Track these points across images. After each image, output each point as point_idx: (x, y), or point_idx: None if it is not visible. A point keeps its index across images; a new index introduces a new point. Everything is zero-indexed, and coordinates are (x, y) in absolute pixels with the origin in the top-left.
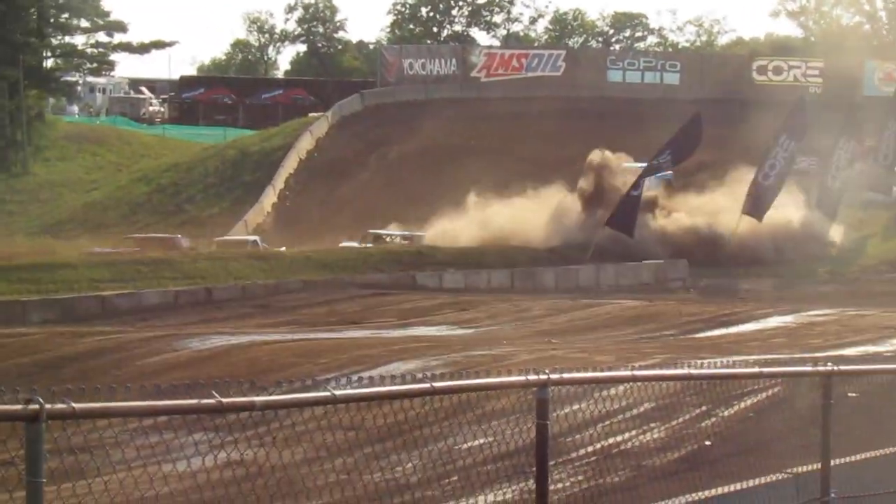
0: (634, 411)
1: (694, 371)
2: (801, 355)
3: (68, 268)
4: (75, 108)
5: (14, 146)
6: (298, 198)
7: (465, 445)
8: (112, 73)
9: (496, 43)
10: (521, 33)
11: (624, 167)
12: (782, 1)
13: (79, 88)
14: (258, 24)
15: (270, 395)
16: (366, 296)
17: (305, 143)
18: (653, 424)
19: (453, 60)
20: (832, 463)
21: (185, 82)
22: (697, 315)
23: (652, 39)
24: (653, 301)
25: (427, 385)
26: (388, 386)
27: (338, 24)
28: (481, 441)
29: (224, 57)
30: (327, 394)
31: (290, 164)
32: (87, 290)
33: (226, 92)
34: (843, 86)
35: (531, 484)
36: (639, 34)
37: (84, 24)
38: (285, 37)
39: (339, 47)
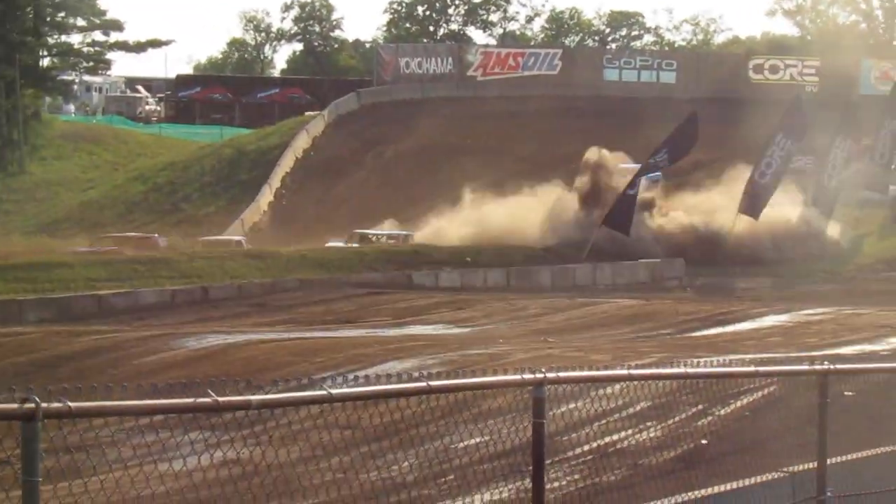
0: (630, 410)
1: (690, 370)
2: (797, 354)
3: (65, 267)
4: (72, 107)
5: (10, 145)
6: (295, 196)
7: (461, 444)
8: (108, 72)
9: (492, 42)
10: (518, 32)
11: (620, 167)
12: (778, 0)
13: (75, 87)
14: (254, 22)
15: (266, 393)
16: (362, 295)
17: (302, 142)
18: (649, 423)
19: (449, 59)
20: (828, 462)
21: (182, 81)
22: (694, 314)
23: (648, 38)
24: (649, 300)
25: (423, 384)
26: (384, 385)
27: (334, 22)
28: (477, 440)
29: (220, 56)
30: (323, 392)
31: (286, 163)
32: (84, 289)
33: (222, 91)
34: (840, 84)
35: (527, 483)
36: (635, 33)
37: (80, 22)
38: (282, 35)
39: (336, 46)
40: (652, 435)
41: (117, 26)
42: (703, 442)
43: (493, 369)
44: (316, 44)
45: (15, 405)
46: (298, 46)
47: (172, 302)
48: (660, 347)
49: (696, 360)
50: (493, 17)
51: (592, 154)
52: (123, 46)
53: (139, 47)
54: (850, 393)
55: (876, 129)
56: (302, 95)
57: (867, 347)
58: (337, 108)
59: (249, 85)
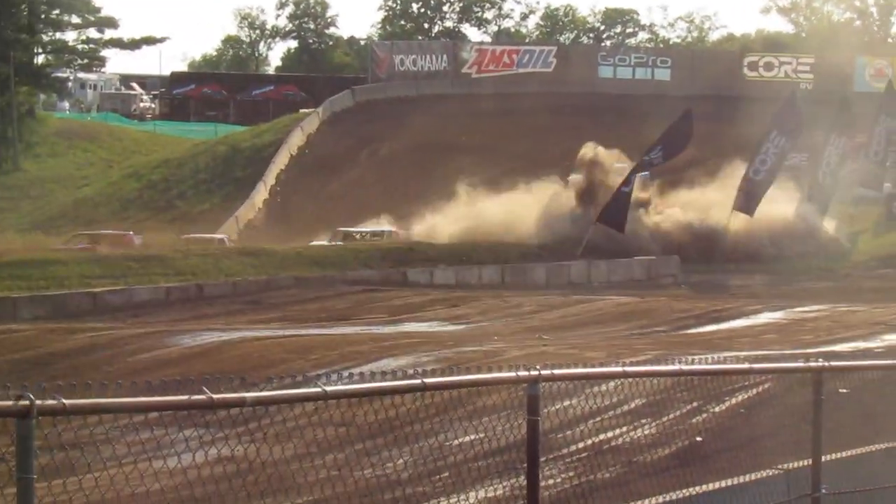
0: (625, 407)
1: (685, 367)
2: (792, 351)
3: (59, 264)
4: (66, 105)
5: (5, 142)
6: (289, 194)
7: (455, 442)
8: (103, 70)
9: (487, 39)
10: (512, 29)
11: (616, 167)
12: None
13: (69, 85)
14: (249, 20)
15: (261, 391)
16: (356, 292)
17: (296, 140)
18: (644, 420)
19: (444, 56)
20: (823, 459)
21: (176, 78)
22: (688, 311)
23: (643, 35)
24: (644, 297)
25: (418, 381)
26: (378, 382)
27: (329, 20)
28: (472, 437)
29: (215, 53)
30: (318, 390)
31: (281, 161)
32: (79, 286)
33: (217, 88)
34: (834, 82)
35: (522, 480)
36: (630, 30)
37: (75, 20)
38: (276, 33)
39: (330, 43)
40: (647, 432)
41: (112, 23)
42: (698, 439)
43: (487, 366)
44: (310, 41)
45: (10, 402)
46: (293, 44)
47: (167, 299)
48: (654, 345)
49: (690, 358)
50: (488, 15)
51: (588, 150)
52: (118, 44)
53: (134, 44)
54: (845, 390)
55: (870, 126)
56: (297, 93)
57: (862, 345)
58: (332, 105)
59: (244, 82)
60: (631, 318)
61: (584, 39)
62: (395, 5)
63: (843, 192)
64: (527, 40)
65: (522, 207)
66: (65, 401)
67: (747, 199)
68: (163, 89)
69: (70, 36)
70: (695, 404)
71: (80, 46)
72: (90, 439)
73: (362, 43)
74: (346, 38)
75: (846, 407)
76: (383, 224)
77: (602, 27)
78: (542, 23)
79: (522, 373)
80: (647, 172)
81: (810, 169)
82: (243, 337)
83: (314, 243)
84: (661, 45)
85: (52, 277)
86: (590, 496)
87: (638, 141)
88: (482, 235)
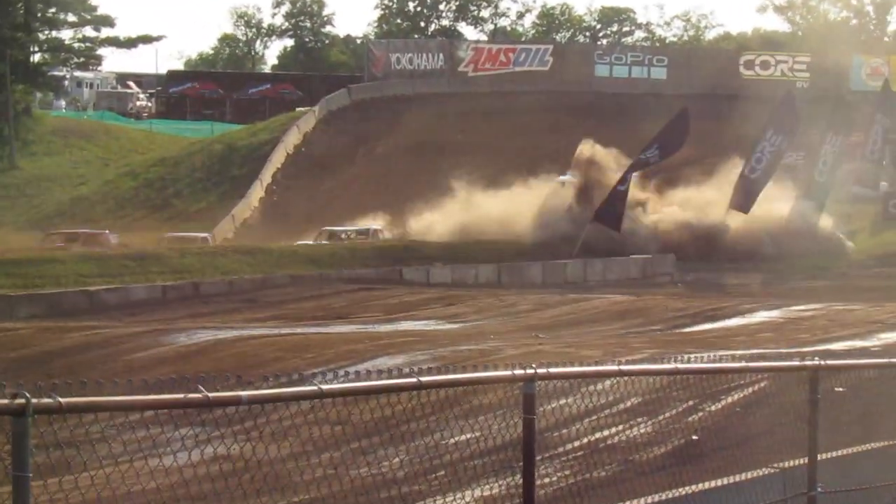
0: (621, 406)
1: (681, 366)
2: (788, 350)
3: (55, 262)
4: (62, 103)
5: (1, 141)
6: (286, 192)
7: (451, 440)
8: (99, 68)
9: (483, 38)
10: (509, 28)
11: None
12: None
13: (66, 83)
14: (245, 18)
15: (257, 389)
16: (353, 290)
17: (293, 138)
18: (640, 419)
19: (440, 55)
20: (819, 458)
21: (173, 77)
22: (684, 310)
23: (639, 34)
24: (640, 296)
25: (414, 380)
26: (375, 381)
27: (325, 18)
28: (468, 436)
29: (211, 51)
30: (314, 388)
31: (277, 159)
32: (75, 284)
33: (213, 86)
34: (831, 80)
35: (518, 479)
36: (626, 29)
37: (71, 18)
38: (272, 31)
39: (327, 42)
40: (643, 431)
41: (108, 22)
42: (694, 438)
43: (483, 365)
44: (307, 40)
45: (5, 400)
46: (289, 42)
47: (163, 298)
48: (650, 343)
49: (686, 356)
50: (484, 13)
51: (586, 148)
52: (114, 42)
53: (130, 43)
54: (841, 389)
55: (866, 125)
56: (293, 91)
57: (858, 343)
58: (328, 103)
59: (240, 81)
60: (627, 316)
61: (581, 38)
62: (391, 4)
63: (839, 190)
64: (523, 39)
65: (519, 206)
66: (61, 399)
67: (743, 197)
68: (159, 88)
69: (66, 34)
70: (691, 403)
71: (76, 45)
72: (86, 438)
73: (359, 41)
74: (342, 36)
75: (842, 406)
76: (377, 222)
77: (598, 26)
78: (538, 21)
79: (518, 371)
80: (633, 173)
81: (807, 168)
82: (239, 335)
83: (299, 242)
84: (658, 44)
85: (48, 276)
86: (586, 495)
87: (634, 140)
88: (478, 234)
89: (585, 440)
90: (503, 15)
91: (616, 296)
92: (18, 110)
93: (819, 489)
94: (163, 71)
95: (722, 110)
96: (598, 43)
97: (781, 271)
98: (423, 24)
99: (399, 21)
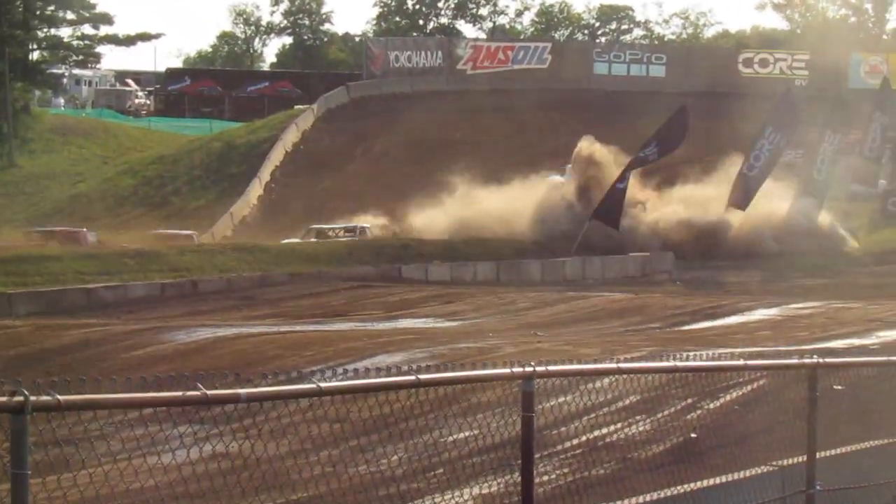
0: (620, 404)
1: (679, 364)
2: (787, 348)
3: (54, 260)
4: (61, 101)
5: (0, 139)
6: (284, 190)
7: (450, 438)
8: (98, 66)
9: (482, 35)
10: (507, 26)
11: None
12: None
13: (65, 81)
14: (244, 16)
15: (256, 387)
16: (351, 288)
17: (291, 136)
18: (638, 417)
19: (439, 53)
20: (818, 456)
21: (171, 74)
22: (683, 308)
23: (638, 32)
24: (638, 294)
25: (412, 377)
26: (373, 378)
27: (323, 16)
28: (467, 434)
29: (210, 49)
30: (313, 386)
31: (275, 157)
32: (73, 282)
33: (212, 84)
34: (829, 78)
35: (516, 476)
36: (625, 27)
37: (70, 16)
38: (271, 29)
39: (325, 40)
40: (641, 429)
41: (107, 20)
42: (693, 436)
43: (482, 363)
44: (305, 37)
45: (4, 398)
46: (288, 40)
47: (162, 295)
48: (649, 341)
49: (685, 354)
50: (483, 11)
51: (585, 145)
52: (113, 40)
53: (129, 41)
54: (840, 387)
55: (865, 122)
56: (292, 89)
57: (857, 341)
58: (326, 101)
59: (239, 78)
60: (625, 314)
61: (579, 36)
62: (390, 2)
63: (837, 188)
64: (522, 37)
65: (517, 204)
66: (59, 397)
67: (741, 195)
68: (158, 85)
69: (65, 32)
70: (689, 401)
71: (75, 43)
72: (84, 435)
73: (357, 39)
74: (340, 34)
75: (841, 404)
76: (377, 219)
77: (597, 23)
78: (536, 19)
79: (517, 369)
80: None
81: (805, 165)
82: (238, 333)
83: (286, 241)
84: (657, 42)
85: (46, 273)
86: (584, 493)
87: (633, 138)
88: (477, 231)
89: (584, 438)
90: (502, 13)
91: (615, 294)
92: (17, 108)
93: (818, 487)
94: (161, 69)
95: (721, 108)
96: (597, 41)
97: (780, 269)
98: (421, 21)
99: (398, 19)
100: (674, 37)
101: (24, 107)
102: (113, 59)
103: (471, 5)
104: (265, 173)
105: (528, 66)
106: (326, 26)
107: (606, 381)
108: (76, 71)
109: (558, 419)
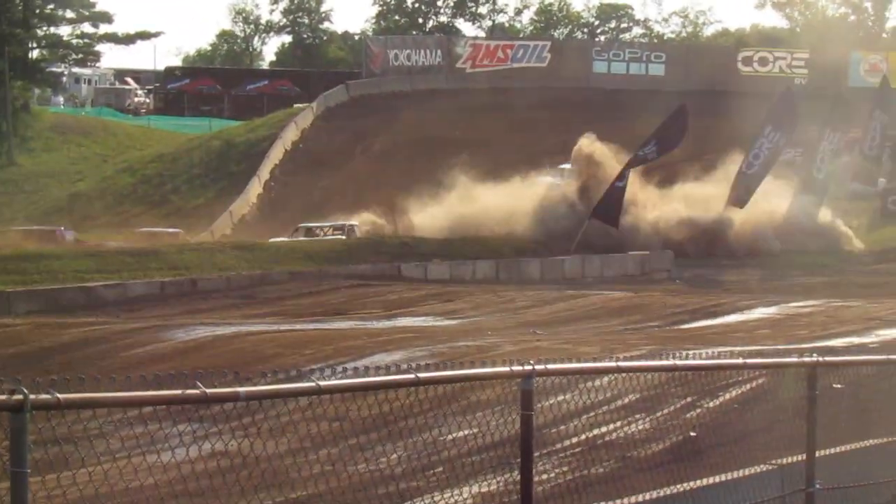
0: (619, 402)
1: (679, 362)
2: (786, 346)
3: (53, 258)
4: (60, 99)
5: None
6: (284, 188)
7: (450, 436)
8: (97, 64)
9: (481, 34)
10: (507, 24)
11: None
12: None
13: (64, 79)
14: (243, 14)
15: (255, 385)
16: (351, 287)
17: (291, 134)
18: (638, 415)
19: (438, 51)
20: (817, 454)
21: (171, 73)
22: (682, 306)
23: (637, 30)
24: (638, 292)
25: (412, 376)
26: (372, 377)
27: (323, 15)
28: (466, 432)
29: (209, 48)
30: (312, 384)
31: (275, 155)
32: (73, 280)
33: (211, 83)
34: (829, 77)
35: (516, 475)
36: (624, 25)
37: (69, 14)
38: (270, 28)
39: (325, 38)
40: (640, 427)
41: (106, 18)
42: (692, 434)
43: (481, 361)
44: (305, 36)
45: (3, 396)
46: (287, 38)
47: (161, 294)
48: (648, 340)
49: (684, 353)
50: (482, 10)
51: (585, 143)
52: (112, 38)
53: (128, 39)
54: (839, 385)
55: (865, 121)
56: (291, 87)
57: (856, 340)
58: (326, 100)
59: (238, 77)
60: (625, 313)
61: (579, 34)
62: (389, 0)
63: (837, 187)
64: (521, 35)
65: (517, 202)
66: (59, 395)
67: (740, 193)
68: (157, 84)
69: (64, 31)
70: (689, 399)
71: (74, 41)
72: (84, 434)
73: (356, 38)
74: (340, 33)
75: (840, 402)
76: (376, 218)
77: (596, 22)
78: (536, 18)
79: (516, 368)
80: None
81: (805, 164)
82: (237, 332)
83: (274, 240)
84: (656, 41)
85: (45, 272)
86: (583, 491)
87: (632, 136)
88: (476, 230)
89: (583, 436)
90: (501, 11)
91: (614, 292)
92: (17, 106)
93: (817, 486)
94: (161, 67)
95: (720, 107)
96: (596, 39)
97: (780, 267)
98: (420, 20)
99: (397, 17)
100: (673, 35)
101: (23, 105)
102: (112, 57)
103: (470, 4)
104: (264, 172)
105: (528, 65)
106: (326, 25)
107: (605, 379)
108: (76, 69)
109: (557, 417)
